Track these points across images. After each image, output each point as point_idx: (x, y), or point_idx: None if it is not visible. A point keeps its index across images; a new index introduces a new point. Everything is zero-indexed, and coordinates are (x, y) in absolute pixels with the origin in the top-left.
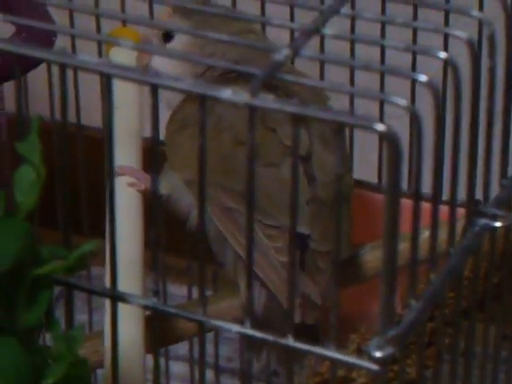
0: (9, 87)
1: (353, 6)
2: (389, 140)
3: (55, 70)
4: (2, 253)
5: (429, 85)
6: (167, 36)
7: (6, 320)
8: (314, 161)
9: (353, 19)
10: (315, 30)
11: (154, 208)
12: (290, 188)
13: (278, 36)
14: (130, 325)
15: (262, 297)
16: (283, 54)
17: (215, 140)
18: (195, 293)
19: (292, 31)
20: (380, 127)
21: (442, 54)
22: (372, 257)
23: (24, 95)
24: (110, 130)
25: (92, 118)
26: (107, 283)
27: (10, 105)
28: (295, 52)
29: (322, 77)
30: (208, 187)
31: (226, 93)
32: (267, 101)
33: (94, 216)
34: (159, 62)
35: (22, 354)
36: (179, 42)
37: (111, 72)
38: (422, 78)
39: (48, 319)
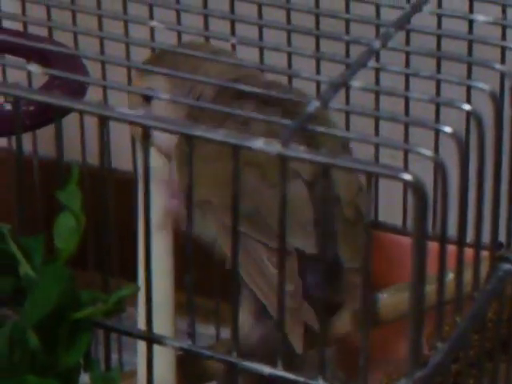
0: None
1: (377, 59)
2: (415, 189)
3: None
4: (44, 297)
5: (453, 136)
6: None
7: (47, 361)
8: (336, 181)
9: (377, 72)
10: (343, 83)
11: (188, 253)
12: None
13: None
14: (163, 365)
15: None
16: (313, 105)
17: (221, 162)
18: (223, 332)
19: (318, 83)
20: (407, 177)
21: (466, 106)
22: (396, 299)
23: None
24: (147, 175)
25: (121, 160)
26: (140, 325)
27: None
28: (325, 104)
29: (347, 127)
30: (214, 209)
31: (259, 143)
32: (298, 151)
33: (122, 257)
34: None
35: None
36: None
37: (150, 124)
38: (447, 129)
39: (87, 360)
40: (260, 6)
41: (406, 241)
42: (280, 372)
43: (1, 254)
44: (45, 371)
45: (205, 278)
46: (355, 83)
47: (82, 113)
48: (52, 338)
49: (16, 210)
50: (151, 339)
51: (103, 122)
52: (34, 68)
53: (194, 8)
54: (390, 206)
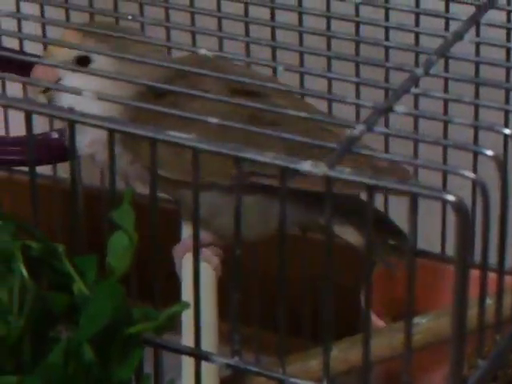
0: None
1: (416, 85)
2: (459, 210)
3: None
4: (98, 313)
5: (495, 158)
6: (83, 60)
7: (101, 374)
8: None
9: (417, 97)
10: (388, 108)
11: (235, 272)
12: None
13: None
14: (208, 382)
15: None
16: (358, 129)
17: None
18: (262, 360)
19: (357, 107)
20: (450, 198)
21: (506, 130)
22: (436, 324)
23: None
24: (196, 205)
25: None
26: (184, 342)
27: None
28: (369, 128)
29: (386, 149)
30: None
31: (306, 165)
32: (344, 172)
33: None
34: (77, 84)
35: None
36: (100, 66)
37: (199, 146)
38: (489, 152)
39: (139, 375)
40: (301, 34)
41: (442, 266)
42: None
43: (56, 273)
44: None
45: (244, 306)
46: (399, 108)
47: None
48: (105, 352)
49: (61, 234)
50: (199, 356)
51: (154, 144)
52: None
53: (237, 35)
54: (425, 233)
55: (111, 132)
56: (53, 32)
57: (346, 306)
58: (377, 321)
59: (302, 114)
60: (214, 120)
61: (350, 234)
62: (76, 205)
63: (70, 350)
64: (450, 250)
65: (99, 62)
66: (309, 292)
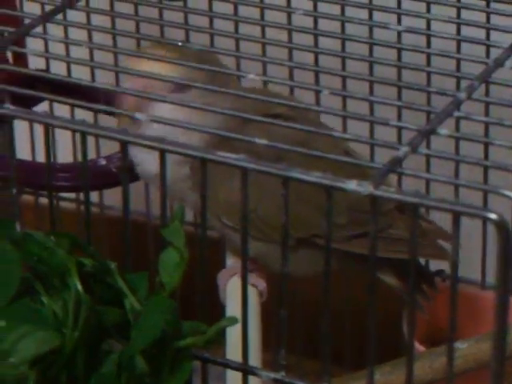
0: None
1: (458, 109)
2: (501, 228)
3: None
4: (150, 326)
5: None
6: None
7: None
8: None
9: (458, 120)
10: (432, 130)
11: (283, 288)
12: None
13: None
14: None
15: None
16: (403, 151)
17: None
18: None
19: (399, 131)
20: (493, 216)
21: None
22: (476, 349)
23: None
24: (244, 229)
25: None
26: (229, 357)
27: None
28: (414, 149)
29: (428, 170)
30: None
31: (352, 184)
32: (389, 191)
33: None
34: (166, 113)
35: None
36: (193, 95)
37: (248, 166)
38: None
39: None
40: (344, 59)
41: (482, 294)
42: None
43: (108, 288)
44: None
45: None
46: (443, 131)
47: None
48: (156, 365)
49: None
50: (247, 371)
51: (205, 164)
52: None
53: (281, 60)
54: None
55: (162, 152)
56: (99, 56)
57: (387, 331)
58: (418, 346)
59: (347, 136)
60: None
61: (388, 277)
62: (127, 230)
63: (122, 361)
64: (490, 278)
65: (195, 91)
66: (350, 319)
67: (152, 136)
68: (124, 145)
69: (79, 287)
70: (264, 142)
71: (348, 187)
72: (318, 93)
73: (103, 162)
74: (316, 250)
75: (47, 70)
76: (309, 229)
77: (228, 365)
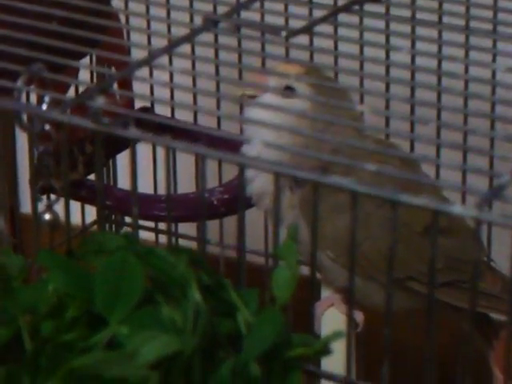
0: None
1: None
2: None
3: None
4: (262, 336)
5: None
6: (288, 91)
7: None
8: None
9: None
10: None
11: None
12: None
13: None
14: None
15: None
16: (505, 178)
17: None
18: None
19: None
20: None
21: None
22: None
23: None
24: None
25: None
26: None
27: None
28: None
29: None
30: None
31: (457, 208)
32: (493, 215)
33: None
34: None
35: None
36: (301, 103)
37: (358, 189)
38: None
39: None
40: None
41: None
42: None
43: (222, 303)
44: None
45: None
46: None
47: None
48: (268, 373)
49: None
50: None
51: (317, 189)
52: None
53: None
54: None
55: (276, 175)
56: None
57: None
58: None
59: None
60: (371, 167)
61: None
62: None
63: (237, 367)
64: None
65: (303, 100)
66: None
67: (268, 160)
68: (241, 169)
69: (198, 298)
70: (374, 167)
71: (454, 210)
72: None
73: (206, 195)
74: (408, 293)
75: (152, 107)
76: (406, 270)
77: (333, 378)
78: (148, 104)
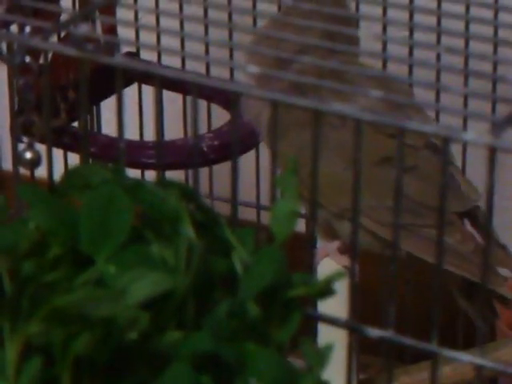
0: None
1: None
2: None
3: None
4: (260, 274)
5: None
6: None
7: (264, 332)
8: None
9: None
10: None
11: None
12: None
13: None
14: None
15: None
16: None
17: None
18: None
19: None
20: None
21: None
22: None
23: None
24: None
25: None
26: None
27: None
28: None
29: None
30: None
31: (471, 135)
32: (508, 142)
33: None
34: None
35: (280, 360)
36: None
37: (363, 117)
38: None
39: (297, 338)
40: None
41: None
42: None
43: (216, 240)
44: (262, 341)
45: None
46: None
47: None
48: (266, 313)
49: None
50: (354, 328)
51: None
52: None
53: None
54: None
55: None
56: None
57: None
58: (507, 331)
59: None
60: (376, 93)
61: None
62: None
63: (233, 308)
64: None
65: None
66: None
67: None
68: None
69: (191, 234)
70: (378, 93)
71: (467, 138)
72: None
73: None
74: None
75: (138, 53)
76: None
77: (335, 322)
78: (133, 48)
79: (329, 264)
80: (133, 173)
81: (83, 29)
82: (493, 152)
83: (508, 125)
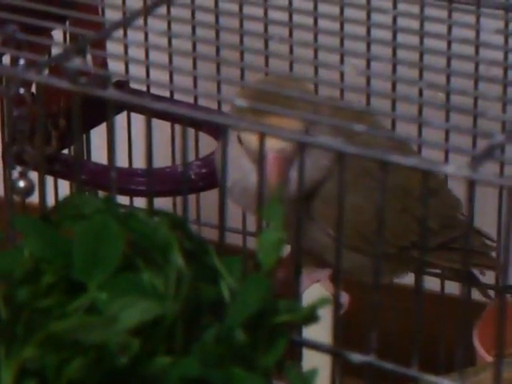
0: None
1: None
2: None
3: None
4: (248, 302)
5: None
6: None
7: (251, 358)
8: None
9: None
10: None
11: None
12: None
13: None
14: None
15: None
16: (498, 138)
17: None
18: None
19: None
20: None
21: None
22: None
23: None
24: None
25: None
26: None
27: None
28: (509, 138)
29: None
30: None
31: (450, 168)
32: (485, 174)
33: None
34: None
35: None
36: None
37: (345, 150)
38: None
39: (283, 363)
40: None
41: None
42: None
43: (205, 269)
44: (248, 366)
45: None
46: None
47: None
48: (253, 339)
49: None
50: (337, 353)
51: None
52: None
53: None
54: None
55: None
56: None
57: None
58: (486, 356)
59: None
60: (359, 127)
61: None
62: (223, 213)
63: (221, 335)
64: None
65: None
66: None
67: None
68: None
69: (181, 262)
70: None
71: (446, 170)
72: None
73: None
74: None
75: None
76: (409, 236)
77: (319, 347)
78: (122, 78)
79: (316, 290)
80: (121, 199)
81: (76, 62)
82: (471, 185)
83: (486, 158)
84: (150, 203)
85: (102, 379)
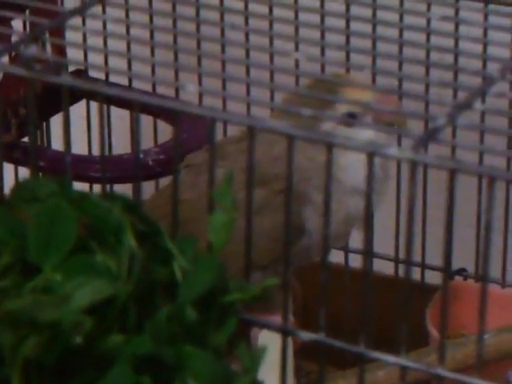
0: None
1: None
2: None
3: None
4: (198, 281)
5: None
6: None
7: (201, 336)
8: None
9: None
10: (468, 105)
11: (323, 252)
12: None
13: None
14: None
15: None
16: (441, 121)
17: None
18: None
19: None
20: None
21: None
22: (498, 339)
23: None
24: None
25: None
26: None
27: None
28: (451, 121)
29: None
30: None
31: (393, 150)
32: (428, 157)
33: None
34: None
35: (216, 363)
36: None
37: (294, 133)
38: None
39: (233, 341)
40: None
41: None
42: (403, 361)
43: (157, 250)
44: (199, 344)
45: None
46: (479, 106)
47: None
48: (204, 318)
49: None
50: (287, 331)
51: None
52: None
53: None
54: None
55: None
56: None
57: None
58: (438, 336)
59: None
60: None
61: None
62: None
63: (172, 313)
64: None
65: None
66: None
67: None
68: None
69: (133, 244)
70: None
71: (390, 152)
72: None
73: (141, 155)
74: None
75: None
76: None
77: (268, 325)
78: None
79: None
80: (81, 186)
81: (32, 50)
82: (414, 166)
83: (429, 140)
84: (104, 186)
85: (57, 358)
